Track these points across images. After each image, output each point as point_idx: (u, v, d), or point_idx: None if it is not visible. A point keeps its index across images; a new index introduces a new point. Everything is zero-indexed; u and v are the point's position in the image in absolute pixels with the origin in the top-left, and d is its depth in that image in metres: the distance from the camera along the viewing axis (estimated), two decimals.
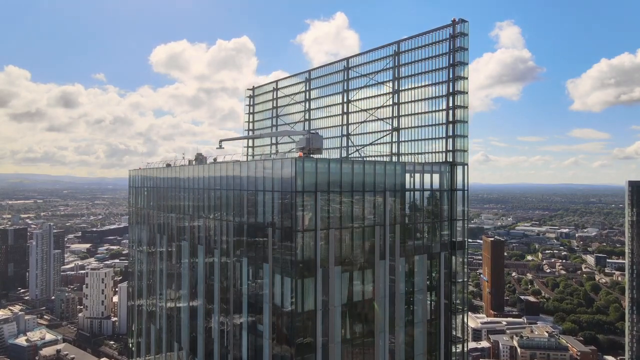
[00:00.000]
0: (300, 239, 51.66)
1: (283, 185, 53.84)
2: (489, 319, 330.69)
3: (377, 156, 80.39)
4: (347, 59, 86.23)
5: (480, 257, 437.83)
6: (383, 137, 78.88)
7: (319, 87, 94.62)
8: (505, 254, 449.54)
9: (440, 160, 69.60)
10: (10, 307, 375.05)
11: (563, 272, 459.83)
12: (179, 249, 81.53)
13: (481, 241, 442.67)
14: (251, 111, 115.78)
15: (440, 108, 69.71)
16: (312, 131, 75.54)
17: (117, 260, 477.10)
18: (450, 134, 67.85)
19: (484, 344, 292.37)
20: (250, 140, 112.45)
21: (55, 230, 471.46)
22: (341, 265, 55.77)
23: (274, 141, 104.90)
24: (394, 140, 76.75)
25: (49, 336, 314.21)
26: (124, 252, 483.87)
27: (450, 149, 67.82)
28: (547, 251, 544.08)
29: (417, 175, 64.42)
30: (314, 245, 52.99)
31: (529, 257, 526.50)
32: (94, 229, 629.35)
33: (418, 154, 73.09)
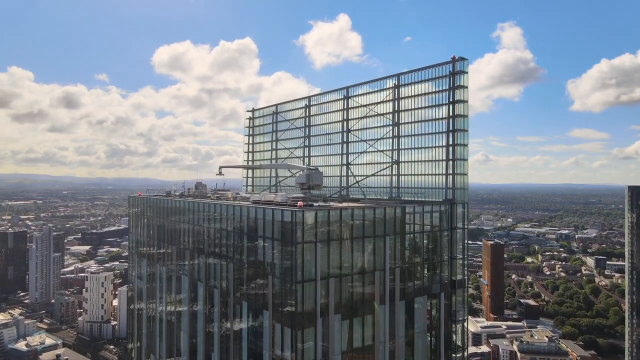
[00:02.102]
0: (300, 290, 51.57)
1: (283, 235, 53.72)
2: (489, 323, 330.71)
3: (377, 188, 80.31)
4: (347, 88, 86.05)
5: (480, 260, 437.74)
6: (383, 169, 78.61)
7: (319, 114, 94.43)
8: (505, 255, 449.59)
9: (440, 196, 69.45)
10: (10, 311, 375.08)
11: (563, 274, 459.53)
12: (179, 283, 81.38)
13: (481, 243, 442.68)
14: (251, 133, 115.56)
15: (440, 144, 69.51)
16: (311, 167, 75.23)
17: (117, 263, 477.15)
18: (450, 171, 67.73)
19: (484, 348, 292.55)
20: (251, 162, 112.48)
21: (55, 233, 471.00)
22: (341, 313, 55.67)
23: (274, 164, 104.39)
24: (394, 173, 76.55)
25: (49, 341, 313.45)
26: (123, 255, 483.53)
27: (450, 186, 67.67)
28: (546, 253, 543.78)
29: (417, 216, 64.25)
30: (314, 295, 52.92)
31: (529, 259, 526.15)
32: (94, 231, 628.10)
33: (418, 188, 72.84)
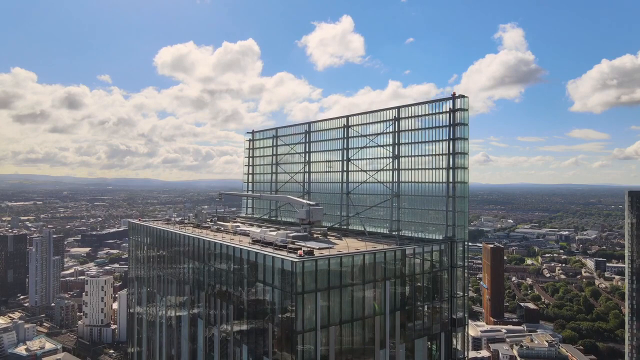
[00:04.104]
0: (301, 339, 51.41)
1: (283, 283, 53.59)
2: (489, 327, 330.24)
3: (377, 219, 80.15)
4: (348, 117, 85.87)
5: (480, 262, 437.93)
6: (384, 201, 78.36)
7: (319, 141, 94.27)
8: (505, 257, 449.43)
9: (441, 231, 69.26)
10: (10, 314, 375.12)
11: (563, 276, 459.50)
12: (179, 317, 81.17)
13: (481, 245, 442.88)
14: (250, 155, 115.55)
15: (440, 180, 69.33)
16: (312, 202, 74.91)
17: (117, 265, 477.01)
18: (450, 208, 67.53)
19: (484, 353, 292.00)
20: (250, 184, 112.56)
21: (54, 235, 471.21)
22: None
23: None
24: (394, 205, 76.23)
25: (49, 345, 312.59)
26: (123, 257, 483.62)
27: (450, 223, 67.45)
28: (546, 255, 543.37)
29: (418, 256, 64.07)
30: (315, 344, 52.74)
31: (529, 261, 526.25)
32: (94, 233, 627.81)
33: (418, 223, 72.64)
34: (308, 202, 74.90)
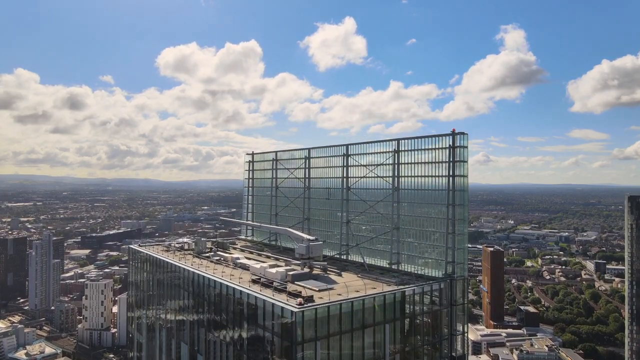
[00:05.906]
0: None
1: (283, 331, 53.44)
2: (489, 331, 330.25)
3: (377, 250, 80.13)
4: (347, 145, 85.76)
5: (479, 264, 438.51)
6: (384, 233, 78.30)
7: (319, 167, 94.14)
8: (505, 259, 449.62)
9: (440, 267, 69.28)
10: (10, 318, 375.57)
11: (563, 278, 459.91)
12: (178, 350, 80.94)
13: (480, 247, 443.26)
14: (250, 176, 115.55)
15: (440, 216, 69.26)
16: (311, 239, 74.73)
17: (117, 267, 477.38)
18: (450, 245, 67.52)
19: (484, 357, 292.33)
20: (250, 205, 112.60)
21: (54, 238, 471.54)
22: None
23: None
24: (394, 238, 76.13)
25: (49, 349, 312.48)
26: (123, 259, 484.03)
27: (450, 260, 67.43)
28: (546, 256, 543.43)
29: (417, 296, 63.95)
30: None
31: (529, 263, 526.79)
32: (94, 234, 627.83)
33: (418, 257, 72.60)
34: (308, 237, 74.77)
